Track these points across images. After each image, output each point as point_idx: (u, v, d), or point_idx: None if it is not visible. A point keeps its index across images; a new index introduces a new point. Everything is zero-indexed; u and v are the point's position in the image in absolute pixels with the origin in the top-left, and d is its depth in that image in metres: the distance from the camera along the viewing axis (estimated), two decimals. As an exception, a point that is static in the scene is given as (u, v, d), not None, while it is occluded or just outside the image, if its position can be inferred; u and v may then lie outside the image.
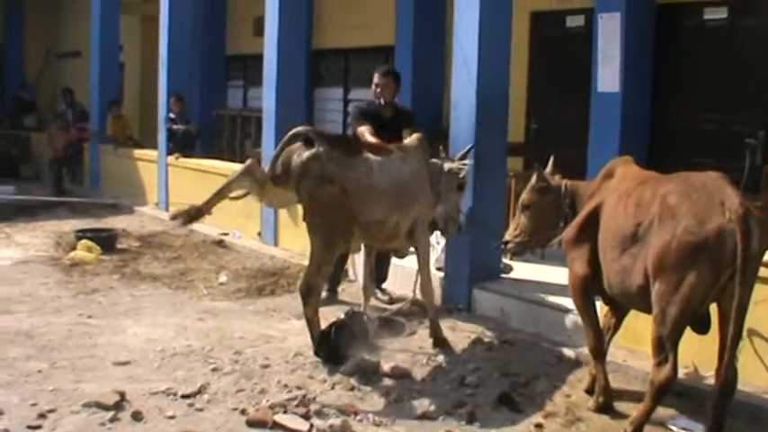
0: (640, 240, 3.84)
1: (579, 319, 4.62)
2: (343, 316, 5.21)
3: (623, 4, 7.16)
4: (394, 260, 6.42)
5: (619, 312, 4.48)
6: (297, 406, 4.23)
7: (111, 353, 5.12)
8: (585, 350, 4.59)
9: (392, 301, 6.43)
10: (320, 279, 5.08)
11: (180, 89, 11.18)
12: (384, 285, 6.61)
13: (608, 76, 7.26)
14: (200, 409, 4.22)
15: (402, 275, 6.54)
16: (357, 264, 6.75)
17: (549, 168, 4.81)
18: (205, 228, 9.01)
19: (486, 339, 5.55)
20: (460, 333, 5.68)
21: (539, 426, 4.14)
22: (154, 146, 11.72)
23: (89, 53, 13.57)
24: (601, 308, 4.55)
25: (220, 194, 4.91)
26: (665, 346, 3.68)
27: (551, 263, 6.53)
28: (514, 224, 4.90)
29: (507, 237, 4.94)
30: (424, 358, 5.15)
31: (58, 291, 6.78)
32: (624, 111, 7.20)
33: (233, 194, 4.97)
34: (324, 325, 5.08)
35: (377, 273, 6.28)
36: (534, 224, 4.76)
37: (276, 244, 8.56)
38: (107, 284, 7.06)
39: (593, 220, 4.24)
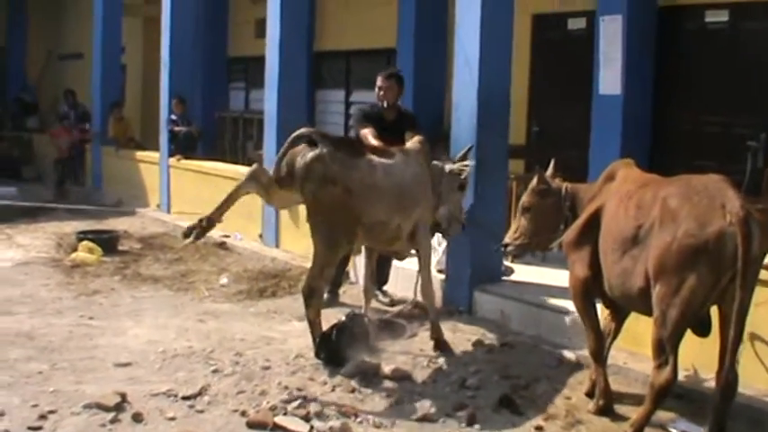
0: (641, 243, 3.84)
1: (580, 322, 4.62)
2: (344, 318, 5.21)
3: (625, 6, 7.16)
4: (395, 262, 6.42)
5: (619, 315, 4.47)
6: (297, 408, 4.23)
7: (111, 354, 5.12)
8: (586, 353, 4.59)
9: (393, 303, 6.43)
10: (323, 281, 5.09)
11: (182, 91, 11.18)
12: (385, 287, 6.61)
13: (609, 78, 7.26)
14: (201, 411, 4.23)
15: (403, 278, 6.54)
16: (358, 266, 6.75)
17: (549, 171, 4.80)
18: (206, 229, 9.01)
19: (486, 342, 5.55)
20: (461, 335, 5.68)
21: (539, 428, 4.14)
22: (155, 147, 11.71)
23: (91, 55, 13.55)
24: (601, 310, 4.55)
25: (229, 201, 4.98)
26: (666, 349, 3.68)
27: (552, 265, 6.52)
28: (515, 226, 4.89)
29: (507, 239, 4.93)
30: (424, 360, 5.16)
31: (59, 292, 6.78)
32: (625, 113, 7.19)
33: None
34: (325, 327, 5.09)
35: (378, 275, 6.27)
36: (535, 227, 4.75)
37: (277, 246, 8.54)
38: (108, 286, 7.07)
39: (594, 222, 4.24)
